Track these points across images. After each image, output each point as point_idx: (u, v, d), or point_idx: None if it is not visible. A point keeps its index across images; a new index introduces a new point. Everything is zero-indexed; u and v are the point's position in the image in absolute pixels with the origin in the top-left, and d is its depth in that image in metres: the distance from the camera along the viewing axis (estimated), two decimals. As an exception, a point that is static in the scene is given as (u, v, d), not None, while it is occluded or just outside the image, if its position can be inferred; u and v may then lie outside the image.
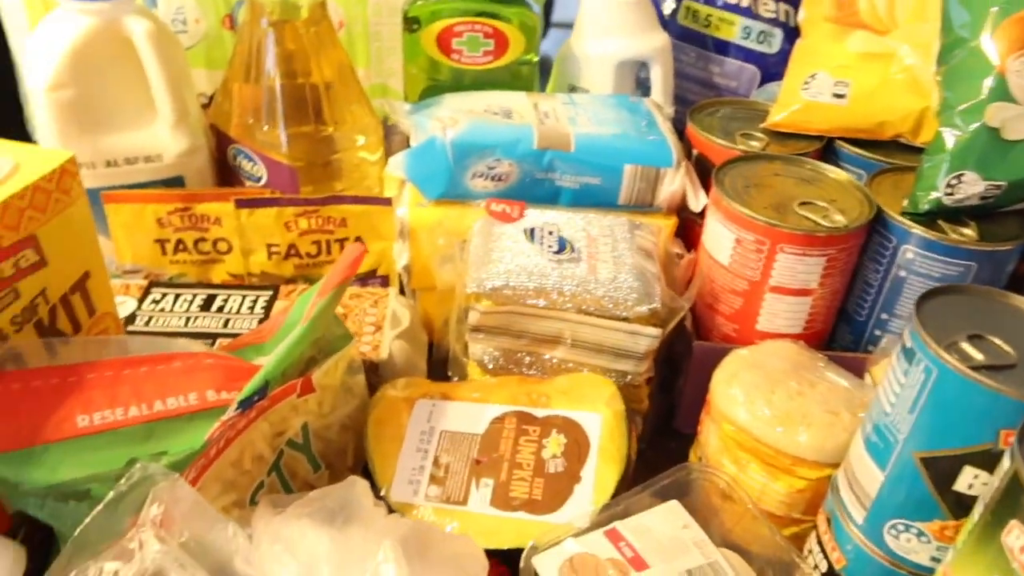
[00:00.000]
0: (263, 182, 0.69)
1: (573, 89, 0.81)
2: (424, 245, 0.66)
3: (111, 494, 0.37)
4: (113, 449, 0.41)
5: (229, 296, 0.64)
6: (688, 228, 0.71)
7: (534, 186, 0.66)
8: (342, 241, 0.69)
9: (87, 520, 0.36)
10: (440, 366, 0.66)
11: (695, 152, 0.71)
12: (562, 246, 0.60)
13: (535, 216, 0.63)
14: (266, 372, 0.45)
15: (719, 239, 0.61)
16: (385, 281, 0.70)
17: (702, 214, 0.65)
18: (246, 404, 0.44)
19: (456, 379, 0.62)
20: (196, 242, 0.67)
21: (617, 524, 0.47)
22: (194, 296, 0.64)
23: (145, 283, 0.65)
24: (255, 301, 0.65)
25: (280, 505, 0.43)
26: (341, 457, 0.56)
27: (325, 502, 0.40)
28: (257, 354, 0.51)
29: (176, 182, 0.68)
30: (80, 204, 0.47)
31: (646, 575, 0.44)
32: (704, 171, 0.68)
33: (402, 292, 0.70)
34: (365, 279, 0.69)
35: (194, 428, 0.43)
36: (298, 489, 0.52)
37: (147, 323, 0.61)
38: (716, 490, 0.51)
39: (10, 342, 0.43)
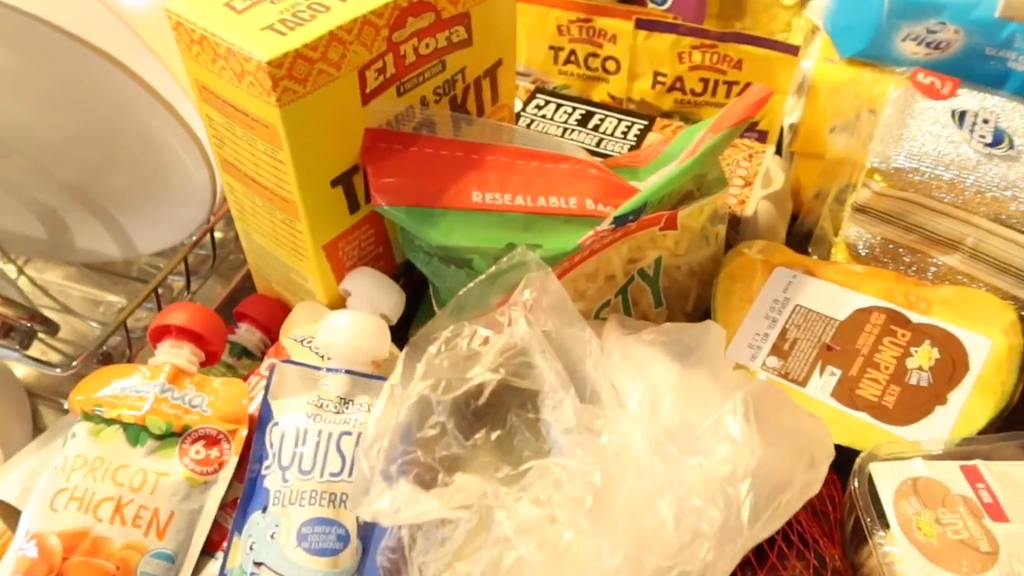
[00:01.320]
0: (667, 6, 0.66)
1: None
2: (822, 105, 0.60)
3: (492, 268, 0.39)
4: (496, 229, 0.44)
5: (606, 117, 0.64)
6: None
7: (977, 63, 0.56)
8: (731, 85, 0.64)
9: (469, 286, 0.39)
10: (798, 241, 0.62)
11: None
12: (998, 139, 0.50)
13: (970, 98, 0.53)
14: (647, 194, 0.44)
15: None
16: (763, 137, 0.65)
17: None
18: (621, 220, 0.44)
19: (816, 258, 0.57)
20: (587, 57, 0.67)
21: (979, 463, 0.41)
22: (574, 109, 0.65)
23: (532, 87, 0.67)
24: (629, 128, 0.64)
25: (628, 327, 0.43)
26: (682, 301, 0.55)
27: (680, 337, 0.39)
28: (631, 178, 0.50)
29: (583, -8, 0.67)
30: (510, -10, 0.48)
31: (1003, 528, 0.38)
32: None
33: (778, 152, 0.65)
34: (743, 131, 0.65)
35: (568, 230, 0.44)
36: (637, 319, 0.52)
37: (528, 126, 0.64)
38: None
39: (431, 110, 0.46)
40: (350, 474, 0.40)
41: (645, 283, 0.51)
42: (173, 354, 0.43)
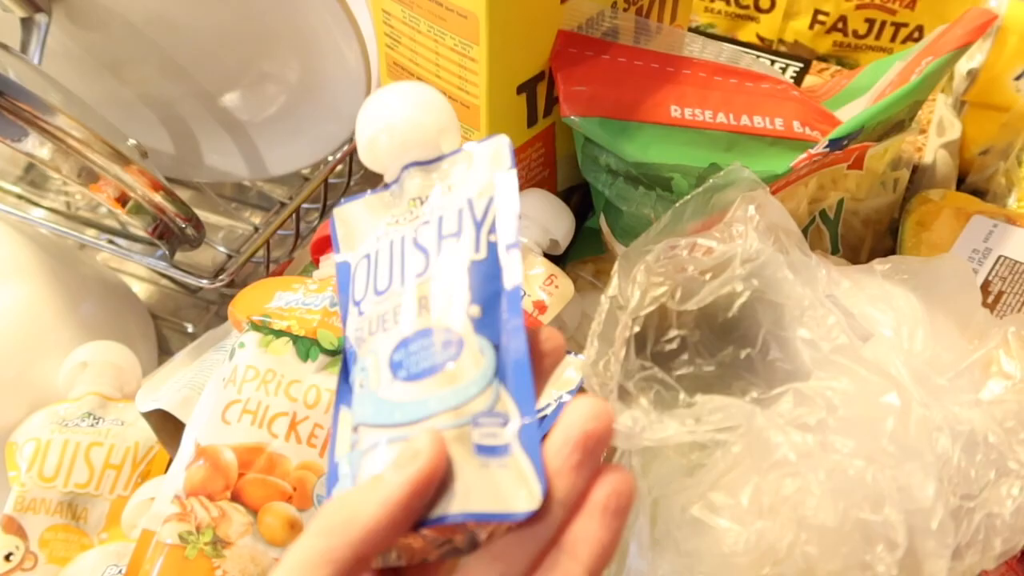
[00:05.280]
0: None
1: None
2: (1008, 51, 0.55)
3: (710, 182, 0.35)
4: (697, 148, 0.40)
5: (758, 58, 0.60)
6: None
7: None
8: (899, 27, 0.60)
9: (685, 199, 0.35)
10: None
11: None
12: None
13: None
14: (867, 116, 0.40)
15: None
16: (929, 86, 0.60)
17: None
18: (836, 144, 0.39)
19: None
20: (739, -7, 0.63)
21: None
22: (721, 50, 0.60)
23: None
24: (784, 70, 0.60)
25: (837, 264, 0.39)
26: (853, 252, 0.51)
27: (920, 270, 0.35)
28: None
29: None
30: None
31: None
32: None
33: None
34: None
35: (774, 153, 0.40)
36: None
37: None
38: None
39: (618, 17, 0.42)
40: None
41: (825, 226, 0.47)
42: (341, 266, 0.39)
